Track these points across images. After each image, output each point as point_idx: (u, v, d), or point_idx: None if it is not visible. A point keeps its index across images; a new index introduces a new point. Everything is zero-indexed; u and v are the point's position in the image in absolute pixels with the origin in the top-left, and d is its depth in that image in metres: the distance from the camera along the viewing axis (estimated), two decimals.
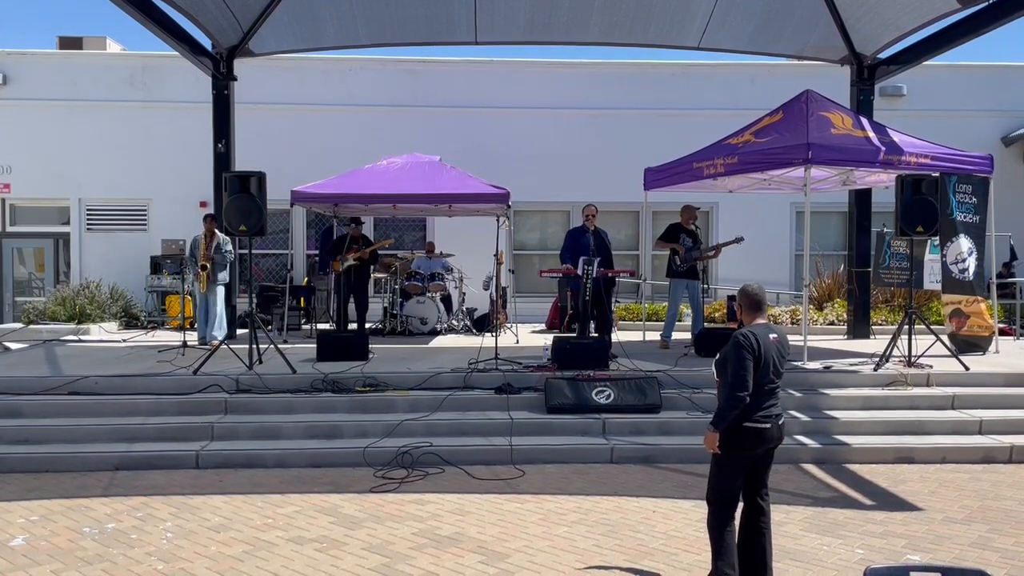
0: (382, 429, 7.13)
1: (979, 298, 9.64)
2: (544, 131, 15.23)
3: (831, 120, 9.10)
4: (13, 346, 10.86)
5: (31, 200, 15.40)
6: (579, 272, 8.88)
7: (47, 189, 15.15)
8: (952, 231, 9.52)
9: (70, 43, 16.26)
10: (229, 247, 10.31)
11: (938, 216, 8.49)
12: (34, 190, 15.19)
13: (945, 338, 9.27)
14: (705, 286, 10.41)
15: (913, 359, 8.48)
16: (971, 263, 9.63)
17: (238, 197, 8.25)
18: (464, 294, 12.96)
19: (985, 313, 9.67)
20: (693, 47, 12.00)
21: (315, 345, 9.09)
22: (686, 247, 10.08)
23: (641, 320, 12.16)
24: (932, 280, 10.78)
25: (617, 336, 9.97)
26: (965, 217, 9.69)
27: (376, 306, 12.89)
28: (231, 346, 8.65)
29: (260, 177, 8.36)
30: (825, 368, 8.43)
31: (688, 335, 10.36)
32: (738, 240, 10.07)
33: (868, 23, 10.82)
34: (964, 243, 9.63)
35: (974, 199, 9.71)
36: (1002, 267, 13.95)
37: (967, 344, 9.48)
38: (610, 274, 9.41)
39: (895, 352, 8.58)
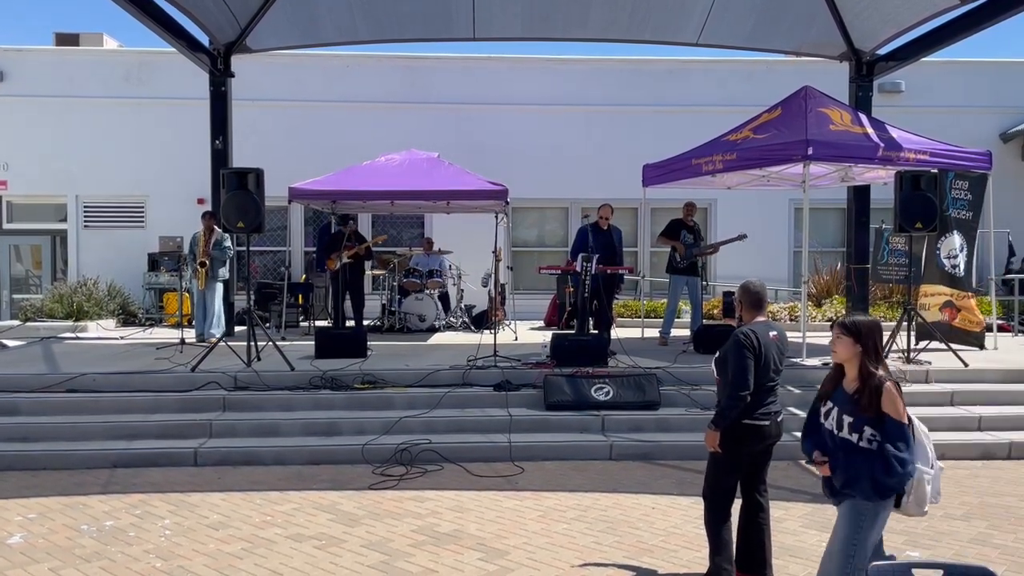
0: (381, 426, 7.12)
1: (969, 294, 9.66)
2: (542, 127, 15.21)
3: (830, 116, 9.10)
4: (10, 343, 10.84)
5: (28, 197, 15.35)
6: (578, 268, 8.88)
7: (44, 186, 15.10)
8: (945, 227, 9.53)
9: (67, 39, 16.21)
10: (228, 243, 10.30)
11: (937, 212, 8.48)
12: (31, 187, 15.15)
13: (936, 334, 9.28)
14: (704, 283, 10.41)
15: (912, 355, 8.48)
16: (962, 259, 9.65)
17: (236, 194, 8.23)
18: (462, 291, 12.95)
19: (975, 309, 9.69)
20: (691, 43, 11.98)
21: (313, 342, 9.08)
22: (686, 244, 10.08)
23: (640, 317, 12.16)
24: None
25: (616, 333, 9.96)
26: (958, 213, 9.70)
27: (374, 303, 12.88)
28: (229, 343, 8.64)
29: (258, 174, 8.34)
30: (824, 365, 8.41)
31: (687, 332, 10.36)
32: (741, 237, 10.06)
33: (867, 19, 10.80)
34: (957, 239, 9.65)
35: (969, 195, 9.71)
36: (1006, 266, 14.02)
37: (958, 336, 9.49)
38: (608, 271, 9.41)
39: (894, 348, 8.58)
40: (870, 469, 3.30)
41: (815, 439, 3.58)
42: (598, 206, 9.77)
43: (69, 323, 12.51)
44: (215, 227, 10.00)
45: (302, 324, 12.69)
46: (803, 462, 6.79)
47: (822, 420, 3.53)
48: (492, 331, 9.75)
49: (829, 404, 3.51)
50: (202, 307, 10.29)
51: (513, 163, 14.25)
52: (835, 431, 3.45)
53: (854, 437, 3.38)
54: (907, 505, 3.41)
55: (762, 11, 11.24)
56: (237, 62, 11.41)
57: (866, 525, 3.35)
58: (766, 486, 4.37)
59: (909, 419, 3.42)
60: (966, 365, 8.32)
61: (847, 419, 3.40)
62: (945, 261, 9.71)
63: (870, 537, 3.36)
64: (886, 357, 8.37)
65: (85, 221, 15.28)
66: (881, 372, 3.38)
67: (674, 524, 5.31)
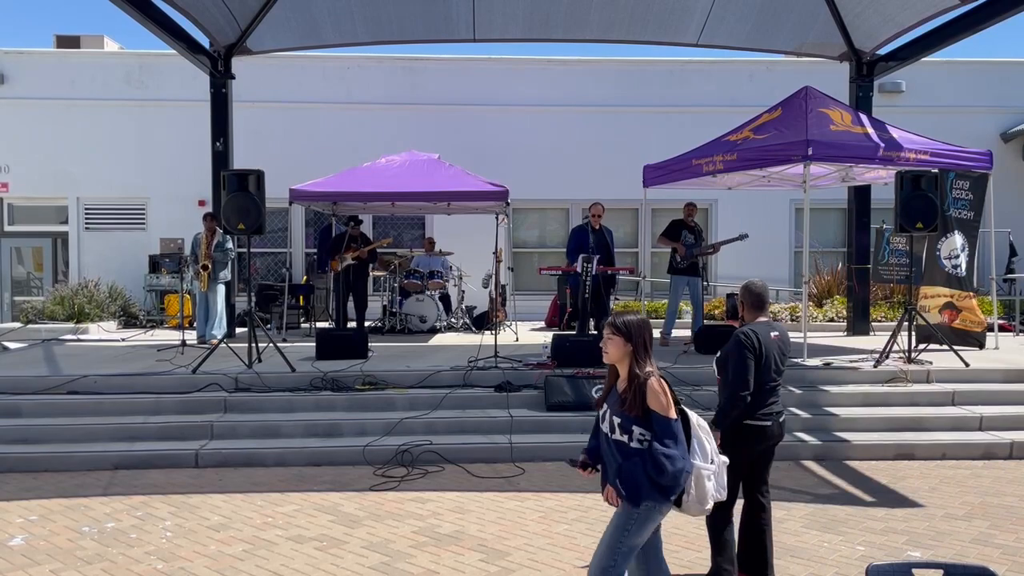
0: (382, 427, 7.12)
1: (970, 294, 9.67)
2: (543, 128, 15.22)
3: (830, 117, 9.09)
4: (12, 345, 10.85)
5: (29, 199, 15.37)
6: (578, 269, 8.88)
7: (45, 188, 15.12)
8: (946, 227, 9.53)
9: (67, 42, 16.23)
10: (230, 245, 10.32)
11: (938, 212, 8.48)
12: (32, 189, 15.17)
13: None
14: (705, 283, 10.40)
15: (913, 355, 8.48)
16: (963, 259, 9.65)
17: (236, 195, 8.23)
18: (463, 292, 12.95)
19: (977, 308, 9.69)
20: (692, 44, 11.99)
21: (314, 343, 9.08)
22: (687, 244, 10.07)
23: None
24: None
25: None
26: (959, 213, 9.70)
27: (375, 304, 12.88)
28: (230, 345, 8.65)
29: (258, 175, 8.34)
30: (825, 365, 8.42)
31: (688, 332, 10.36)
32: (741, 237, 10.05)
33: (867, 19, 10.81)
34: (958, 239, 9.65)
35: (970, 195, 9.72)
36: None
37: (958, 337, 9.50)
38: (609, 271, 9.41)
39: (895, 348, 8.58)
40: (644, 470, 3.22)
41: (595, 443, 3.53)
42: (588, 205, 9.71)
43: (70, 325, 12.52)
44: (217, 229, 10.01)
45: (303, 325, 12.70)
46: (805, 461, 6.81)
47: (600, 423, 3.46)
48: (493, 332, 9.75)
49: (605, 406, 3.42)
50: (204, 309, 10.30)
51: (513, 164, 14.27)
52: (609, 433, 3.36)
53: (625, 438, 3.29)
54: (688, 503, 3.34)
55: (762, 11, 11.25)
56: (237, 64, 11.43)
57: (632, 531, 3.28)
58: (768, 487, 4.36)
59: (684, 415, 3.36)
60: (967, 365, 8.32)
61: (616, 420, 3.31)
62: (946, 262, 9.72)
63: (635, 542, 3.30)
64: (887, 357, 8.42)
65: (86, 223, 15.30)
66: (648, 369, 3.30)
67: (675, 525, 5.30)
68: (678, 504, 3.35)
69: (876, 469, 6.64)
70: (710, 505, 3.38)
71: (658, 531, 3.45)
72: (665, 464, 3.18)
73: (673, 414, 3.25)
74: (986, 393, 7.91)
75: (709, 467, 3.37)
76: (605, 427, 3.39)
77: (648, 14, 11.40)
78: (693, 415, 3.43)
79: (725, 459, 3.50)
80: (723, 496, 3.47)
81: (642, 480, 3.23)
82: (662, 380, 3.29)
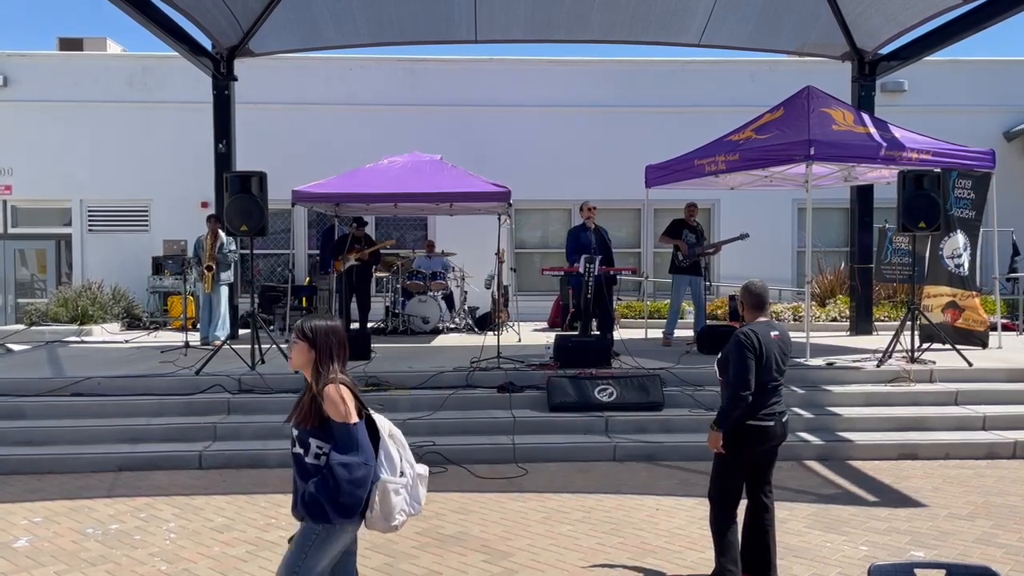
0: None
1: (973, 293, 9.66)
2: (545, 129, 15.23)
3: (832, 116, 9.09)
4: (16, 347, 10.87)
5: (32, 201, 15.41)
6: (580, 270, 8.88)
7: (48, 190, 15.16)
8: (949, 226, 9.52)
9: (70, 44, 16.27)
10: (233, 247, 10.34)
11: (940, 212, 8.47)
12: (35, 191, 15.21)
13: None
14: (707, 283, 10.39)
15: (916, 355, 8.47)
16: (966, 258, 9.65)
17: (239, 197, 8.24)
18: (466, 293, 12.96)
19: (979, 308, 9.69)
20: (694, 44, 11.99)
21: None
22: (689, 243, 10.08)
23: (643, 317, 12.15)
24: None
25: (619, 334, 9.96)
26: (962, 212, 9.70)
27: (378, 305, 12.89)
28: (233, 346, 8.65)
29: (261, 177, 8.35)
30: (828, 365, 8.42)
31: (690, 332, 10.36)
32: (743, 236, 10.05)
33: (869, 19, 10.81)
34: (960, 238, 9.65)
35: (972, 194, 9.72)
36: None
37: (962, 336, 9.49)
38: (611, 272, 9.41)
39: (898, 348, 8.57)
40: (324, 490, 2.95)
41: None
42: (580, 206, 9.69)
43: (74, 327, 12.54)
44: (220, 230, 10.02)
45: None
46: (808, 461, 6.80)
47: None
48: (496, 332, 9.76)
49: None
50: (207, 310, 10.32)
51: (515, 165, 14.27)
52: (290, 447, 3.13)
53: (302, 451, 3.06)
54: (372, 519, 3.05)
55: (764, 11, 11.25)
56: (240, 65, 11.44)
57: (311, 551, 3.04)
58: (771, 487, 4.36)
59: (369, 420, 3.09)
60: (970, 364, 8.30)
61: (295, 432, 3.09)
62: (948, 261, 9.71)
63: (317, 565, 3.05)
64: (889, 357, 8.41)
65: (89, 225, 15.33)
66: (332, 376, 3.03)
67: (678, 525, 5.30)
68: (363, 519, 3.07)
69: (879, 469, 6.63)
70: (398, 521, 3.08)
71: (353, 557, 3.23)
72: (341, 474, 2.92)
73: (353, 420, 2.99)
74: (989, 392, 7.89)
75: (397, 480, 3.07)
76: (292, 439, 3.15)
77: (650, 15, 11.40)
78: (386, 424, 3.15)
79: (423, 470, 3.20)
80: (418, 511, 3.16)
81: (318, 500, 2.98)
82: (341, 387, 3.01)
